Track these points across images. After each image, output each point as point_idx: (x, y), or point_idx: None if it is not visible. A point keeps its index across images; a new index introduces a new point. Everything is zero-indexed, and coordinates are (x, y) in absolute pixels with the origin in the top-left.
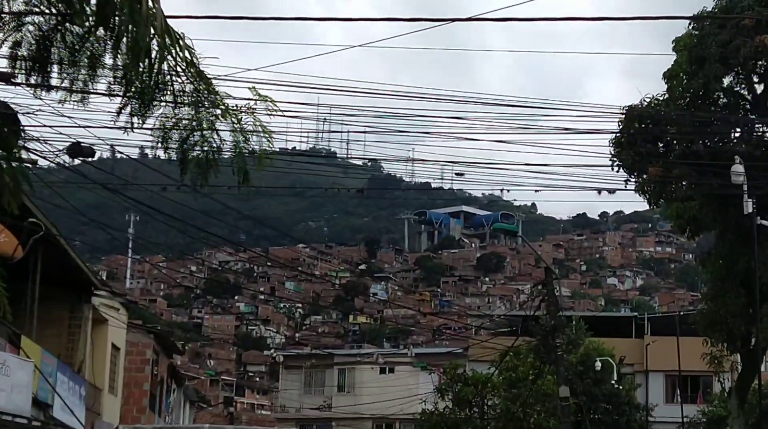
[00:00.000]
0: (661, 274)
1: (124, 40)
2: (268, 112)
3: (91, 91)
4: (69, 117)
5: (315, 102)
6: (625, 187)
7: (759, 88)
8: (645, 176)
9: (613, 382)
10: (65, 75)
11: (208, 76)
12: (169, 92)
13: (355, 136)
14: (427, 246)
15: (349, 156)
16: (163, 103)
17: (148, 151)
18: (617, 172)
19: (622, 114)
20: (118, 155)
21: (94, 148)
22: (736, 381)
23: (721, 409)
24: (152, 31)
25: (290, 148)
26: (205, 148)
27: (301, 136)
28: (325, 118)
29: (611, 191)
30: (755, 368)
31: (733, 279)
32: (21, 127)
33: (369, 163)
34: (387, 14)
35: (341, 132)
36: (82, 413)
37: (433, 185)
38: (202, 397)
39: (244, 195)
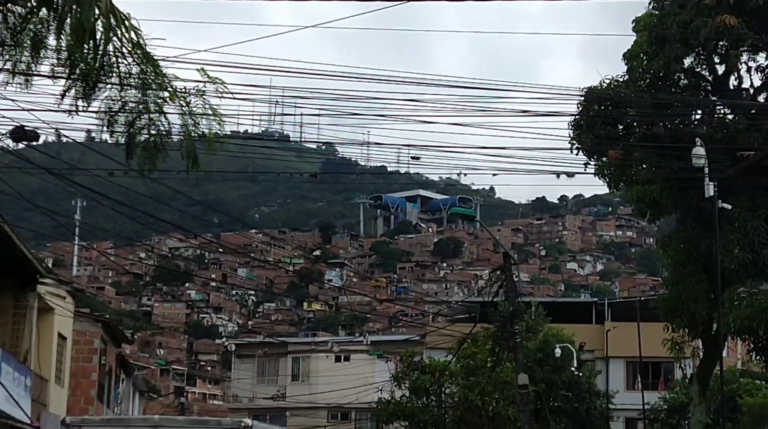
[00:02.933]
0: (622, 259)
1: (68, 20)
2: (219, 95)
3: (35, 73)
4: (12, 100)
5: (267, 84)
6: (585, 170)
7: (720, 69)
8: (605, 159)
9: (573, 369)
10: (7, 57)
11: (156, 57)
12: (114, 74)
13: (308, 118)
14: (383, 231)
15: (303, 139)
16: (108, 86)
17: (94, 134)
18: (576, 155)
19: (581, 96)
20: (64, 139)
21: (39, 131)
22: (698, 367)
23: (683, 395)
24: (97, 11)
25: (242, 131)
26: (153, 132)
27: (252, 119)
28: (277, 101)
29: (570, 175)
30: (717, 354)
31: (694, 263)
32: None
33: (323, 147)
34: None
35: (294, 115)
36: (28, 404)
37: (388, 169)
38: (152, 387)
39: (194, 179)
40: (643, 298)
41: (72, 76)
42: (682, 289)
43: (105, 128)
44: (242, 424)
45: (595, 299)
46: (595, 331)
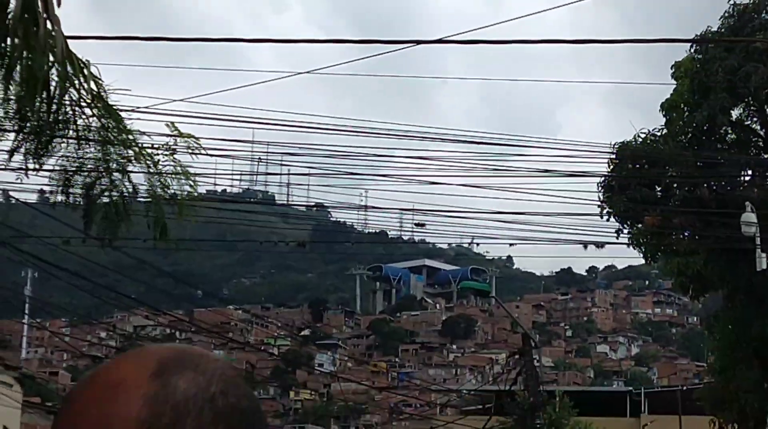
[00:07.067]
0: (661, 341)
1: (18, 68)
2: (191, 152)
3: None
4: None
5: (249, 138)
6: (617, 238)
7: None
8: (640, 226)
9: None
10: None
11: (121, 109)
12: (71, 129)
13: (296, 178)
14: (383, 307)
15: (290, 202)
16: (64, 143)
17: (48, 195)
18: (607, 220)
19: (612, 153)
20: (12, 201)
21: None
22: None
23: None
24: (51, 58)
25: (219, 191)
26: (115, 196)
27: (232, 179)
28: (260, 158)
29: (600, 245)
30: None
31: (745, 347)
32: None
33: (314, 210)
34: (327, 35)
35: (280, 174)
36: None
37: (389, 235)
38: None
39: (163, 249)
40: (685, 387)
41: (22, 132)
42: (730, 377)
43: (60, 190)
44: None
45: (630, 388)
46: (629, 426)
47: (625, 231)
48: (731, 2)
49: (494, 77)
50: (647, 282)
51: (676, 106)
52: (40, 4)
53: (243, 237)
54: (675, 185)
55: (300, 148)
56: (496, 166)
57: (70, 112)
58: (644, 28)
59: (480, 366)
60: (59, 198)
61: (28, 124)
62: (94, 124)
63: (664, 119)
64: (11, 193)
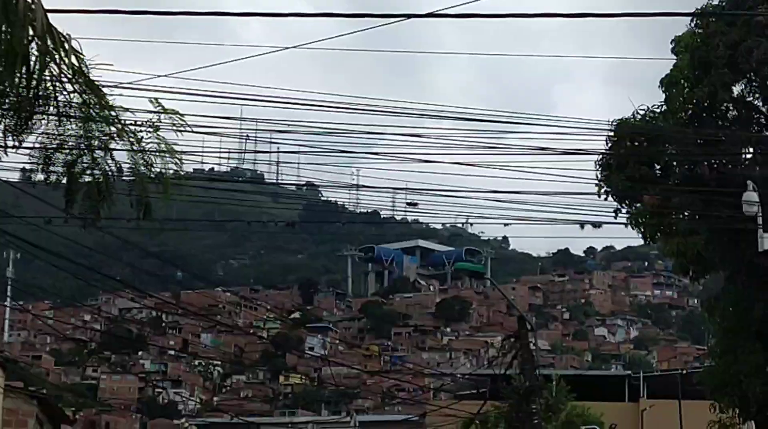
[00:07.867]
0: (660, 324)
1: None
2: (176, 129)
3: None
4: None
5: (237, 115)
6: (615, 218)
7: None
8: (639, 205)
9: None
10: None
11: (104, 84)
12: (52, 105)
13: (286, 156)
14: (376, 289)
15: (280, 181)
16: (44, 119)
17: (31, 174)
18: (605, 200)
19: (610, 130)
20: None
21: None
22: None
23: None
24: (31, 32)
25: (206, 170)
26: (97, 174)
27: (219, 157)
28: (248, 135)
29: (596, 225)
30: None
31: (746, 330)
32: None
33: (304, 189)
34: (320, 9)
35: (270, 152)
36: None
37: (382, 215)
38: None
39: (149, 229)
40: (685, 371)
41: (1, 108)
42: (731, 361)
43: (40, 168)
44: None
45: (629, 372)
46: (628, 411)
47: (624, 210)
48: None
49: (489, 53)
50: (646, 263)
51: (676, 82)
52: None
53: (231, 217)
54: (675, 163)
55: (290, 125)
56: (492, 144)
57: (51, 88)
58: (644, 2)
59: (475, 349)
60: (39, 176)
61: (7, 100)
62: (75, 100)
63: (663, 95)
64: None
